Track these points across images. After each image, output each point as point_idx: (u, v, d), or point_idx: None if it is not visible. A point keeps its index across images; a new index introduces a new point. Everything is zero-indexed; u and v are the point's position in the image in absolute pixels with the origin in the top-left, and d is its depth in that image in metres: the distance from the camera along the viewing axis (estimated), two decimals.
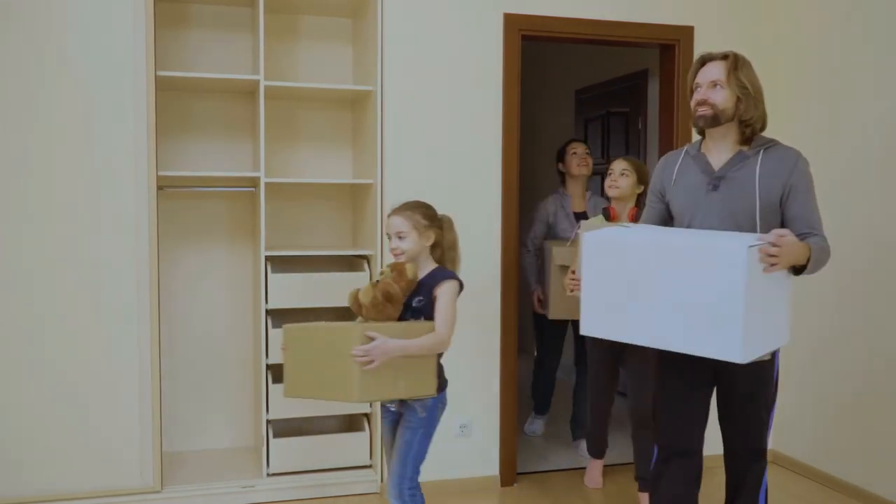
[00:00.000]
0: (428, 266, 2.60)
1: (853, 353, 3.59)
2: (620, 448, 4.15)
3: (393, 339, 2.39)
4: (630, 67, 5.14)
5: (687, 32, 3.84)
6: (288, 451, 3.51)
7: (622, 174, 3.54)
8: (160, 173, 3.34)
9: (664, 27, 3.81)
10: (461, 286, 2.58)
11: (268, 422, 3.51)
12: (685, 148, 2.57)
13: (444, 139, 3.59)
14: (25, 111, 3.16)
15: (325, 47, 3.87)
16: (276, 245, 3.76)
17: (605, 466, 3.87)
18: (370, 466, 3.62)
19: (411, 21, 3.53)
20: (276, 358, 3.44)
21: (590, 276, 2.36)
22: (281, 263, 3.63)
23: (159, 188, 3.36)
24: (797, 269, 2.28)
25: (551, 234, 4.15)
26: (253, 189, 3.70)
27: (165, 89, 3.59)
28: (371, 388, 2.39)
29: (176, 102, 3.69)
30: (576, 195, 4.17)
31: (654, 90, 4.81)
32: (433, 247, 2.62)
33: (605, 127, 5.52)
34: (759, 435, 2.56)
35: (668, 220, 2.62)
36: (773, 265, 2.12)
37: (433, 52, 3.56)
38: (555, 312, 3.88)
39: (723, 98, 2.37)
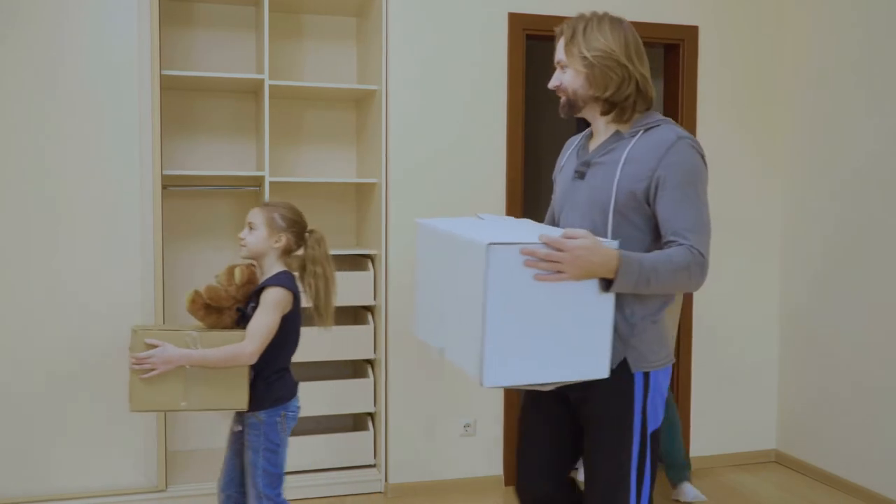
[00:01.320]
0: (274, 269, 2.42)
1: (857, 353, 3.59)
2: None
3: (182, 348, 2.27)
4: None
5: (691, 32, 3.84)
6: (292, 449, 3.48)
7: None
8: (165, 172, 3.34)
9: (668, 27, 3.81)
10: (296, 299, 2.40)
11: None
12: (590, 129, 2.09)
13: (449, 138, 3.59)
14: (30, 110, 3.16)
15: (329, 47, 3.87)
16: None
17: None
18: (374, 465, 3.62)
19: (416, 20, 3.53)
20: None
21: (417, 271, 2.03)
22: None
23: (164, 187, 3.36)
24: (610, 283, 1.75)
25: None
26: (257, 188, 3.70)
27: (170, 88, 3.59)
28: (149, 398, 2.27)
29: (180, 101, 3.69)
30: None
31: (657, 90, 4.81)
32: (288, 256, 2.46)
33: None
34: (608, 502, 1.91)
35: None
36: (557, 273, 1.68)
37: (438, 51, 3.56)
38: None
39: (570, 79, 1.94)
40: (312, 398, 3.50)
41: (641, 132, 1.90)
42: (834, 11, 3.74)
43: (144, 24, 3.20)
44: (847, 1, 3.66)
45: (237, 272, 2.39)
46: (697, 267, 1.79)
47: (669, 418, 3.45)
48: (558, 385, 1.80)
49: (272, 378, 2.41)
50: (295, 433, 3.65)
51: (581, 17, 1.95)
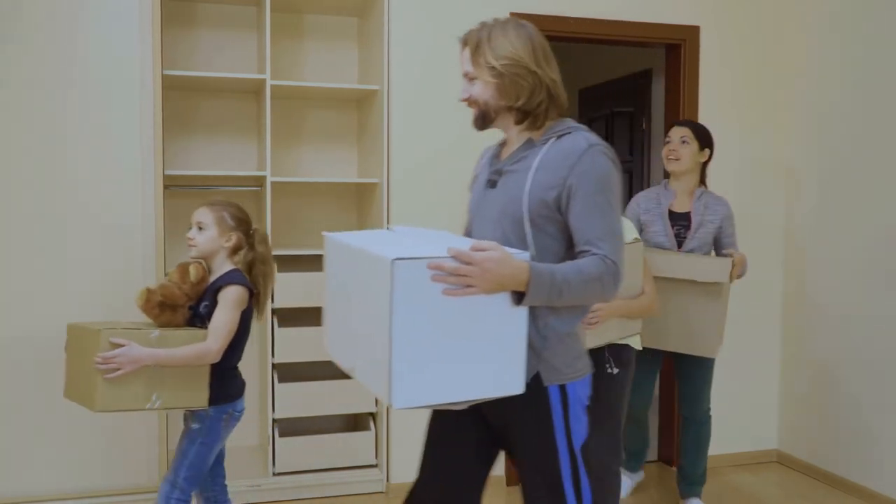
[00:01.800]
0: (224, 268, 2.44)
1: (859, 353, 3.59)
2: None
3: (147, 347, 2.25)
4: (634, 67, 5.14)
5: (693, 32, 3.84)
6: (294, 450, 3.51)
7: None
8: (166, 172, 3.34)
9: (670, 27, 3.81)
10: (251, 294, 2.42)
11: (274, 421, 3.51)
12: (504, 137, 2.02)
13: (450, 138, 3.58)
14: (32, 110, 3.16)
15: (330, 46, 3.86)
16: (281, 244, 3.76)
17: None
18: (376, 466, 3.62)
19: (417, 20, 3.53)
20: (281, 357, 3.44)
21: (327, 287, 1.93)
22: (286, 263, 3.63)
23: (165, 187, 3.36)
24: (522, 296, 1.69)
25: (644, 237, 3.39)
26: (259, 188, 3.70)
27: (171, 88, 3.59)
28: (114, 397, 2.23)
29: (181, 101, 3.69)
30: (681, 191, 3.24)
31: (658, 90, 4.82)
32: (236, 253, 2.47)
33: (608, 127, 5.52)
34: None
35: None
36: (467, 287, 1.61)
37: (439, 50, 3.56)
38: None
39: (479, 90, 1.87)
40: (313, 398, 3.50)
41: (553, 139, 1.85)
42: (834, 10, 3.74)
43: (146, 25, 3.20)
44: (849, 0, 3.66)
45: (191, 270, 2.39)
46: (610, 277, 1.75)
47: (700, 435, 3.31)
48: (472, 403, 1.72)
49: (227, 375, 2.43)
50: (297, 433, 3.67)
51: (484, 25, 1.88)
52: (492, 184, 1.91)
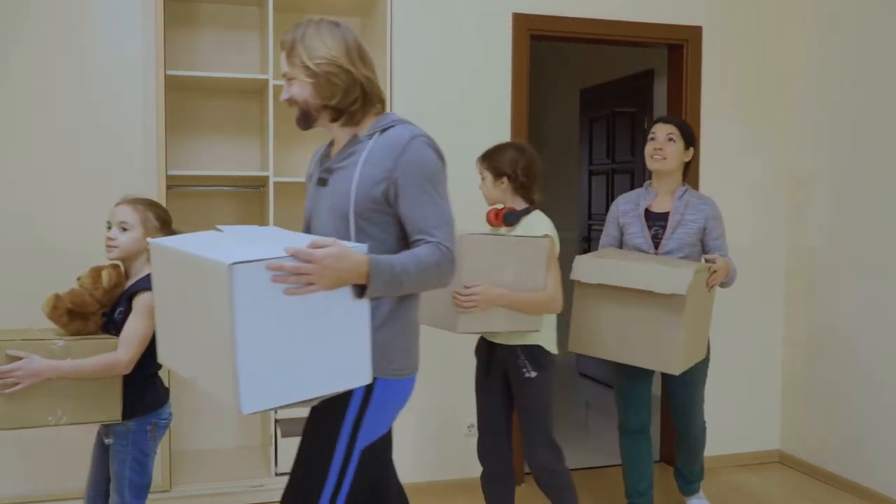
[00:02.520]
0: (143, 272, 2.27)
1: (860, 353, 3.59)
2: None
3: (51, 358, 2.11)
4: (635, 67, 5.15)
5: (695, 32, 3.84)
6: (296, 450, 3.50)
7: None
8: (169, 173, 3.34)
9: (672, 27, 3.81)
10: None
11: (276, 421, 3.51)
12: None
13: (453, 139, 3.57)
14: (35, 110, 3.16)
15: None
16: None
17: (608, 467, 3.87)
18: None
19: (420, 21, 3.53)
20: None
21: (156, 296, 1.87)
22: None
23: (168, 187, 3.36)
24: (363, 289, 1.71)
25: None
26: (261, 188, 3.70)
27: (174, 89, 3.59)
28: (12, 414, 2.09)
29: (183, 102, 3.69)
30: (662, 191, 3.09)
31: (659, 90, 4.82)
32: None
33: (610, 127, 5.52)
34: None
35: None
36: (308, 285, 1.61)
37: (442, 51, 3.56)
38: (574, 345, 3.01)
39: (298, 91, 1.89)
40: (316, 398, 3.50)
41: (377, 134, 1.89)
42: (837, 11, 3.74)
43: (149, 25, 3.20)
44: (850, 1, 3.66)
45: (104, 275, 2.24)
46: (447, 263, 1.81)
47: (695, 443, 3.21)
48: (323, 399, 1.72)
49: (144, 385, 2.29)
50: (298, 433, 3.66)
51: (298, 26, 1.92)
52: (322, 182, 1.95)
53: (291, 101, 1.92)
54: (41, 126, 3.16)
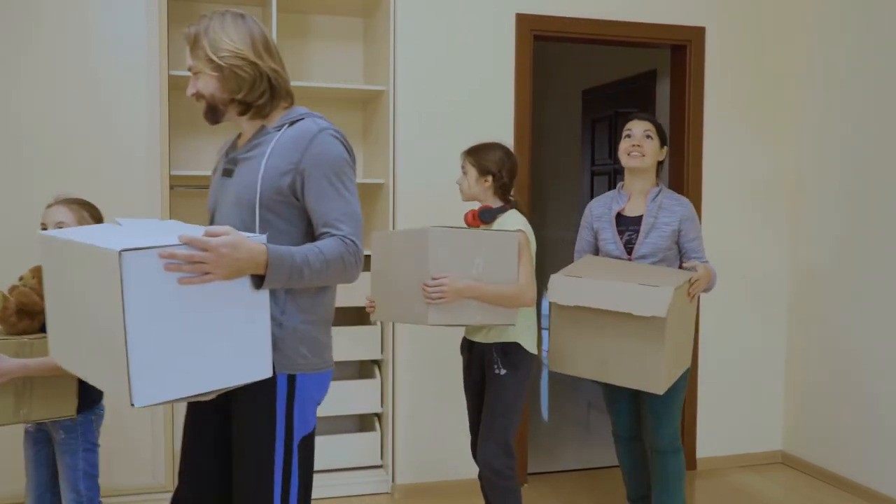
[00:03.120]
0: None
1: (864, 354, 3.59)
2: None
3: (14, 357, 2.14)
4: (638, 68, 5.14)
5: (698, 33, 3.84)
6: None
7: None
8: (172, 173, 3.34)
9: (676, 28, 3.81)
10: None
11: None
12: None
13: (456, 138, 3.58)
14: (38, 109, 3.16)
15: (335, 47, 3.86)
16: None
17: (610, 468, 3.86)
18: (381, 466, 3.62)
19: (423, 21, 3.53)
20: None
21: (46, 291, 1.82)
22: None
23: (171, 187, 3.35)
24: (262, 279, 1.70)
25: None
26: None
27: (177, 89, 3.59)
28: None
29: (186, 101, 3.68)
30: (635, 192, 2.94)
31: (662, 91, 4.82)
32: None
33: (612, 127, 5.52)
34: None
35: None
36: (204, 274, 1.58)
37: (445, 51, 3.56)
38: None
39: (203, 85, 1.88)
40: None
41: (286, 126, 1.88)
42: (840, 12, 3.74)
43: (153, 24, 3.20)
44: (853, 1, 3.66)
45: None
46: (352, 257, 1.79)
47: (665, 468, 2.90)
48: (220, 392, 1.69)
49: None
50: None
51: (203, 18, 1.88)
52: (228, 173, 1.92)
53: (198, 96, 1.90)
54: (44, 125, 3.15)
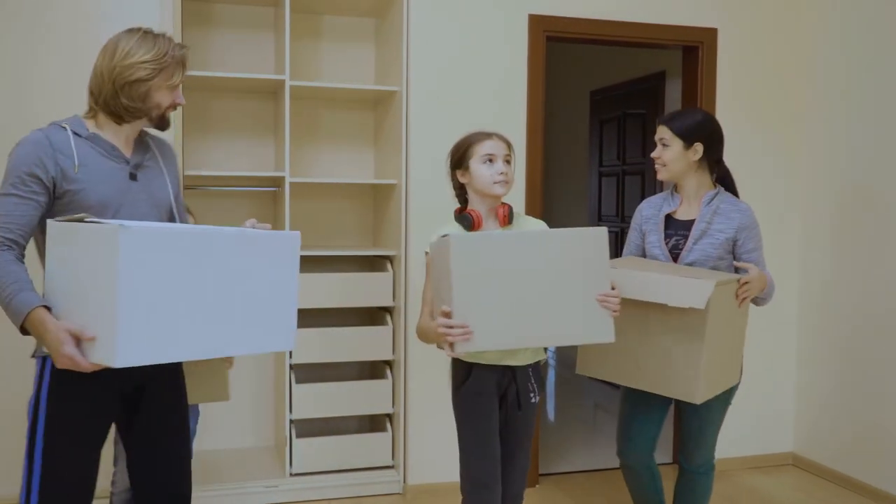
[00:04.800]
0: None
1: (875, 355, 3.59)
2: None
3: None
4: (647, 69, 5.14)
5: (710, 34, 3.84)
6: (311, 451, 3.51)
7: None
8: (186, 173, 3.34)
9: (688, 29, 3.81)
10: None
11: (291, 422, 3.51)
12: (69, 125, 2.05)
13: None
14: (52, 110, 3.15)
15: (346, 47, 3.86)
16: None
17: (617, 469, 3.86)
18: (393, 467, 3.62)
19: (436, 22, 3.53)
20: (299, 358, 3.44)
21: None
22: (301, 263, 3.63)
23: (185, 187, 3.36)
24: None
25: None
26: (276, 189, 3.70)
27: (190, 89, 3.59)
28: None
29: (199, 102, 3.69)
30: (687, 196, 2.67)
31: (671, 92, 4.81)
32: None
33: (620, 128, 5.52)
34: None
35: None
36: None
37: (458, 52, 3.56)
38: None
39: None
40: (331, 399, 3.50)
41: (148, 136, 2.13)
42: (851, 14, 3.74)
43: (167, 25, 3.20)
44: (864, 3, 3.66)
45: None
46: None
47: (694, 487, 2.73)
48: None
49: None
50: (313, 434, 3.67)
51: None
52: (133, 176, 2.03)
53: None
54: None
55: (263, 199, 3.81)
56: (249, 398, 3.83)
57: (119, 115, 2.01)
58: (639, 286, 2.36)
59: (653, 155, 2.64)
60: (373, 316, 3.81)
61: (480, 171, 2.30)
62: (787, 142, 4.01)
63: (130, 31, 2.06)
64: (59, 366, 1.76)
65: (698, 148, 2.57)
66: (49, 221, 1.84)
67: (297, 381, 3.51)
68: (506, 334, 2.05)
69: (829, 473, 3.84)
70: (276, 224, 3.74)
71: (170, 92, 2.05)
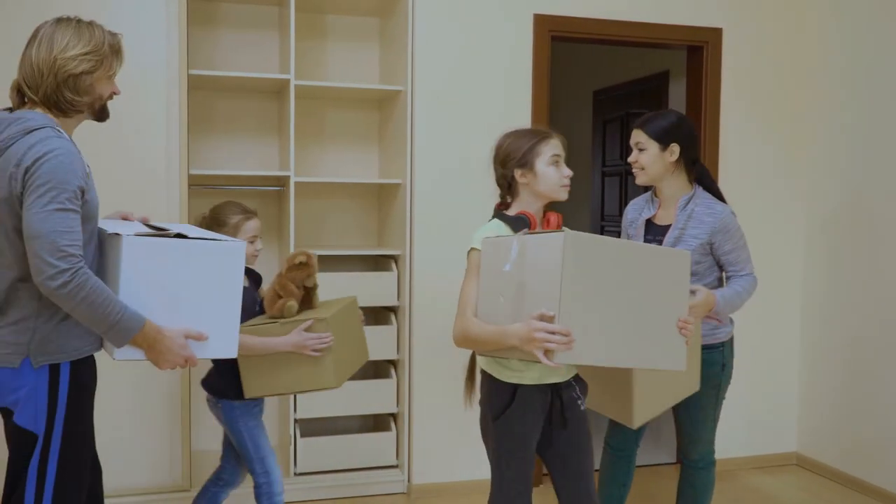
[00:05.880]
0: None
1: (878, 355, 3.59)
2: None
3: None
4: (650, 69, 5.14)
5: (715, 34, 3.84)
6: (315, 450, 3.51)
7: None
8: (191, 172, 3.34)
9: (692, 29, 3.81)
10: None
11: (295, 421, 3.51)
12: (58, 127, 2.00)
13: (473, 139, 3.58)
14: None
15: (351, 47, 3.87)
16: (301, 244, 3.75)
17: None
18: (397, 466, 3.62)
19: (441, 21, 3.53)
20: None
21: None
22: None
23: (190, 187, 3.36)
24: None
25: None
26: (281, 188, 3.70)
27: (195, 88, 3.59)
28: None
29: (204, 101, 3.69)
30: (665, 199, 2.69)
31: (675, 92, 4.81)
32: None
33: (623, 128, 5.52)
34: None
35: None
36: None
37: (462, 52, 3.56)
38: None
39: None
40: (335, 398, 3.50)
41: None
42: (857, 14, 3.74)
43: (173, 25, 3.20)
44: (870, 4, 3.66)
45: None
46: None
47: (694, 482, 2.77)
48: None
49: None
50: (317, 433, 3.66)
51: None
52: None
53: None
54: None
55: (268, 198, 3.81)
56: None
57: (61, 109, 1.95)
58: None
59: (630, 159, 2.63)
60: (377, 315, 3.81)
61: (548, 174, 2.18)
62: (791, 142, 4.01)
63: (62, 20, 1.98)
64: (163, 367, 1.93)
65: (675, 149, 2.57)
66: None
67: None
68: (602, 348, 1.87)
69: (832, 473, 3.84)
70: (280, 223, 3.75)
71: (109, 82, 2.04)
